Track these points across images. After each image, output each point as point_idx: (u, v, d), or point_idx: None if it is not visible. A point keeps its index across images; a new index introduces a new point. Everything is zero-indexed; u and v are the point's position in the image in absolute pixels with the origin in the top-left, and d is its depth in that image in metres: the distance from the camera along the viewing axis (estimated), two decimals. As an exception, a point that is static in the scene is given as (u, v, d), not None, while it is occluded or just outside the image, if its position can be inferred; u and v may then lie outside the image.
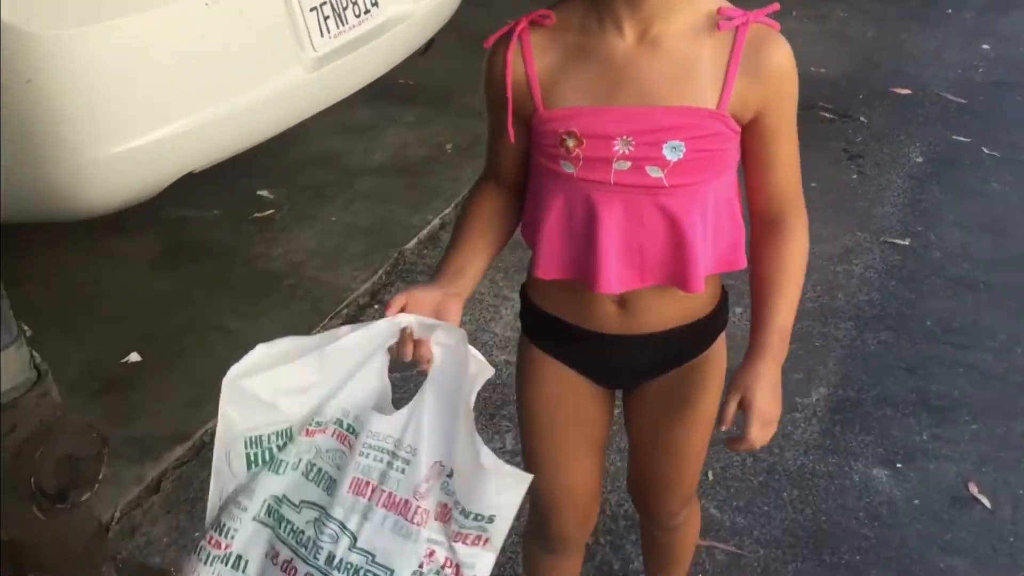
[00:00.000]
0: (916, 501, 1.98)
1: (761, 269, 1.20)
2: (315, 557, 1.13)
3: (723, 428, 1.14)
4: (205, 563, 1.18)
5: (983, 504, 1.97)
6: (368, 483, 1.13)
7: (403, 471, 1.13)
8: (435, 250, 2.83)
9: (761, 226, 1.21)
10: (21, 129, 2.08)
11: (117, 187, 2.23)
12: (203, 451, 2.15)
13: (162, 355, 2.43)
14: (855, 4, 4.60)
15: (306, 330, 2.51)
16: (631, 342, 1.25)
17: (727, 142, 1.13)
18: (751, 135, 1.15)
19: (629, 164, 1.12)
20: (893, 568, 1.83)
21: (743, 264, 1.22)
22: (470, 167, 3.25)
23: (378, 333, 1.16)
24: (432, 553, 1.11)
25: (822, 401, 2.23)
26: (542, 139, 1.16)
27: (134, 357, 2.43)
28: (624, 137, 1.11)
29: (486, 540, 1.11)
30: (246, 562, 1.18)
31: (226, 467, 1.21)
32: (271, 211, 3.03)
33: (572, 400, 1.33)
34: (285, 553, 1.16)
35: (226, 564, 1.17)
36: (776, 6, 1.13)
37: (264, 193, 3.12)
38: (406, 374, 1.24)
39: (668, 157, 1.10)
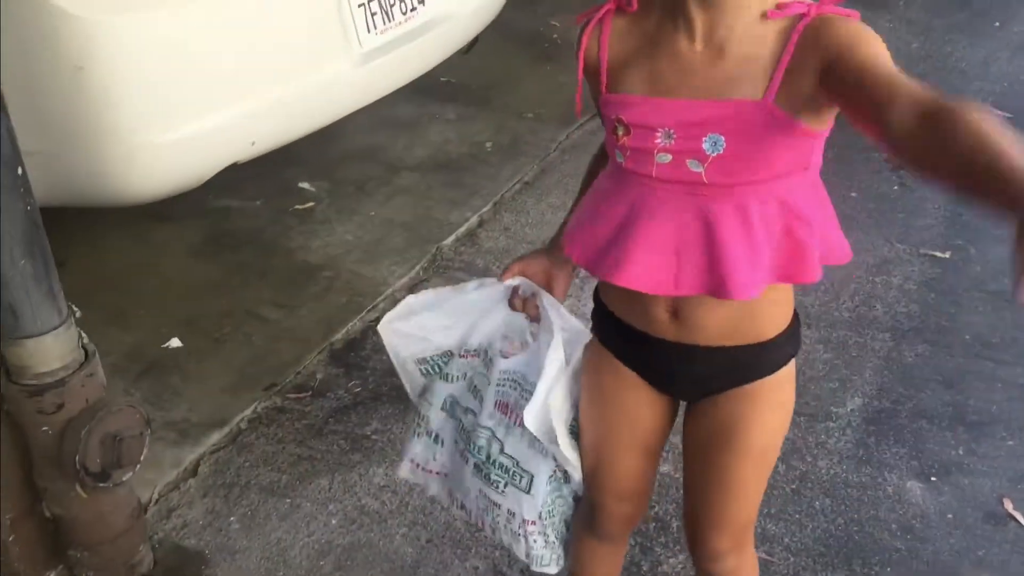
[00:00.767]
0: (949, 515, 1.97)
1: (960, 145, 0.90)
2: (477, 452, 1.41)
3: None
4: (415, 435, 1.49)
5: (1018, 521, 1.95)
6: (507, 404, 1.38)
7: (527, 399, 1.34)
8: (472, 247, 2.85)
9: (916, 124, 0.95)
10: (71, 114, 2.11)
11: (165, 174, 2.27)
12: (239, 437, 2.19)
13: (202, 342, 2.47)
14: (901, 15, 4.56)
15: (343, 323, 2.54)
16: (683, 350, 1.25)
17: (773, 135, 1.09)
18: (833, 85, 1.04)
19: (670, 157, 1.13)
20: (924, 581, 1.82)
21: (810, 278, 1.14)
22: (509, 166, 3.26)
23: (495, 291, 1.39)
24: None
25: (857, 411, 2.22)
26: (604, 122, 1.20)
27: (175, 343, 2.46)
28: (666, 129, 1.12)
29: None
30: (442, 440, 1.48)
31: (406, 376, 1.49)
32: (312, 203, 3.06)
33: (627, 400, 1.34)
34: (460, 443, 1.45)
35: (429, 437, 1.48)
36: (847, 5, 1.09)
37: (305, 185, 3.15)
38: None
39: (707, 151, 1.10)
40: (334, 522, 1.96)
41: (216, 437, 2.19)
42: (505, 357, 1.40)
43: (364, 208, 3.05)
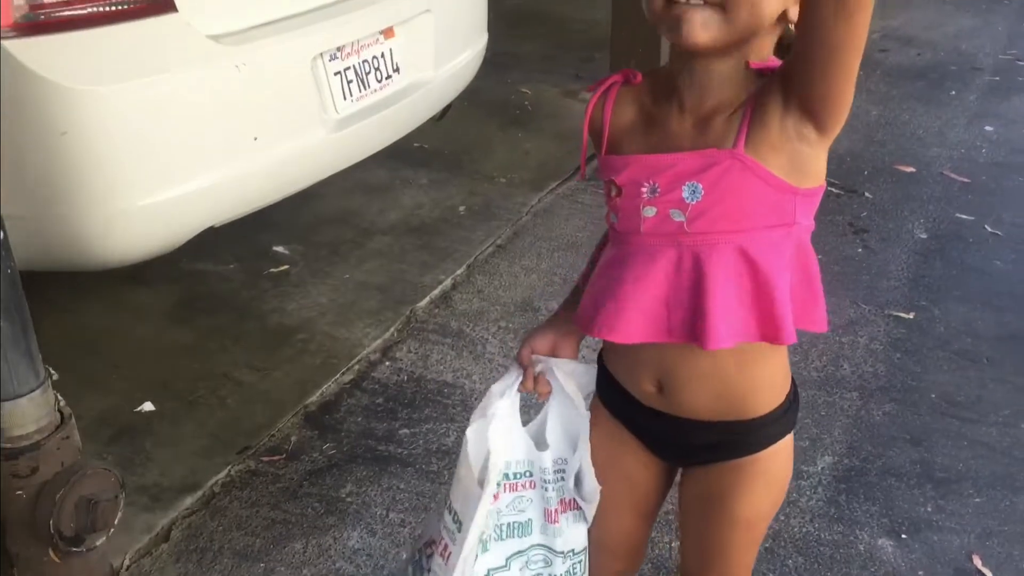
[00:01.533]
0: (920, 572, 1.99)
1: None
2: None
3: None
4: None
5: (987, 577, 1.98)
6: (556, 510, 1.39)
7: (563, 477, 1.39)
8: (447, 310, 2.88)
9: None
10: (53, 179, 2.14)
11: (143, 238, 2.29)
12: (213, 501, 2.17)
13: (175, 405, 2.46)
14: (860, 84, 4.66)
15: (317, 385, 2.54)
16: (672, 421, 1.28)
17: (748, 185, 1.12)
18: (787, 71, 1.10)
19: (655, 210, 1.17)
20: (898, 639, 1.83)
21: (784, 339, 1.16)
22: (482, 229, 3.31)
23: (509, 384, 1.38)
24: None
25: (828, 470, 2.25)
26: (603, 187, 1.24)
27: (148, 406, 2.46)
28: (651, 183, 1.17)
29: None
30: None
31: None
32: (286, 267, 3.08)
33: (625, 461, 1.37)
34: None
35: None
36: None
37: (280, 249, 3.17)
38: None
39: (687, 199, 1.14)
40: (309, 586, 1.95)
41: (189, 501, 2.17)
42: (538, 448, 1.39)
43: (338, 271, 3.07)
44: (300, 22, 2.54)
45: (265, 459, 2.29)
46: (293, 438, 2.36)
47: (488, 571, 1.38)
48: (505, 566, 1.40)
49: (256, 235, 3.17)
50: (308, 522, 2.11)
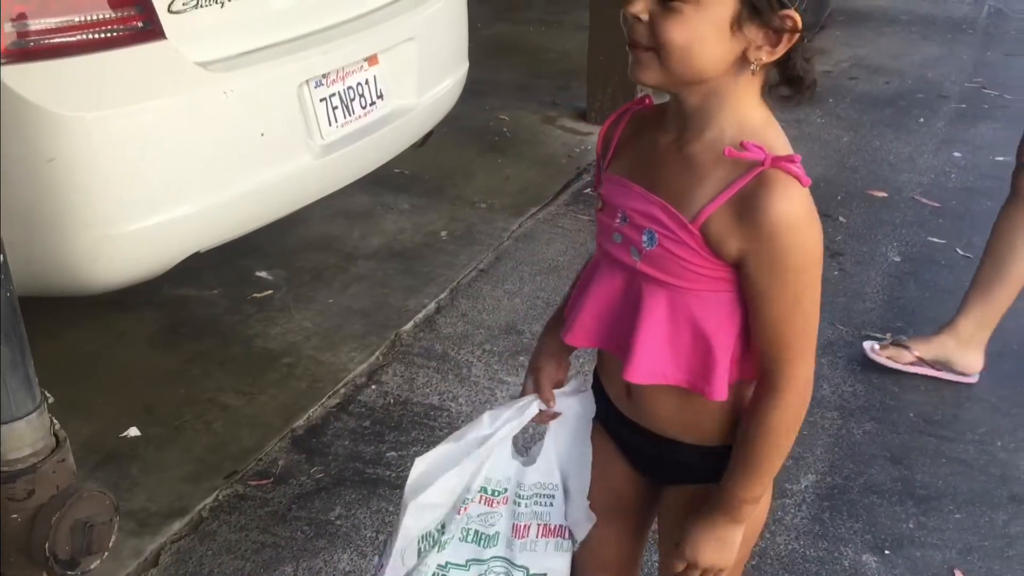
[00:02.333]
0: (904, 587, 2.03)
1: (742, 424, 1.23)
2: None
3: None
4: None
5: (969, 591, 2.02)
6: (526, 525, 1.41)
7: (552, 504, 1.41)
8: (431, 333, 2.90)
9: (758, 376, 1.21)
10: (41, 205, 2.15)
11: (131, 264, 2.30)
12: (201, 526, 2.17)
13: (161, 430, 2.46)
14: (831, 111, 4.80)
15: (303, 409, 2.55)
16: (644, 434, 1.32)
17: (695, 258, 1.15)
18: (740, 278, 1.15)
19: (621, 238, 1.22)
20: (884, 653, 1.86)
21: (713, 396, 1.19)
22: (464, 254, 3.34)
23: (519, 420, 1.39)
24: None
25: (811, 488, 2.29)
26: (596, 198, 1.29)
27: (133, 432, 2.45)
28: (623, 211, 1.22)
29: None
30: None
31: (400, 563, 1.38)
32: (269, 292, 3.09)
33: (611, 476, 1.40)
34: None
35: None
36: (798, 156, 1.13)
37: (263, 274, 3.18)
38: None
39: (644, 244, 1.18)
40: (300, 609, 1.95)
41: (177, 526, 2.17)
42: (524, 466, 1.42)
43: (322, 296, 3.08)
44: (287, 49, 2.56)
45: (253, 483, 2.30)
46: (280, 462, 2.37)
47: (447, 563, 1.41)
48: (464, 566, 1.42)
49: (239, 260, 3.17)
50: (298, 545, 2.11)
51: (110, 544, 1.63)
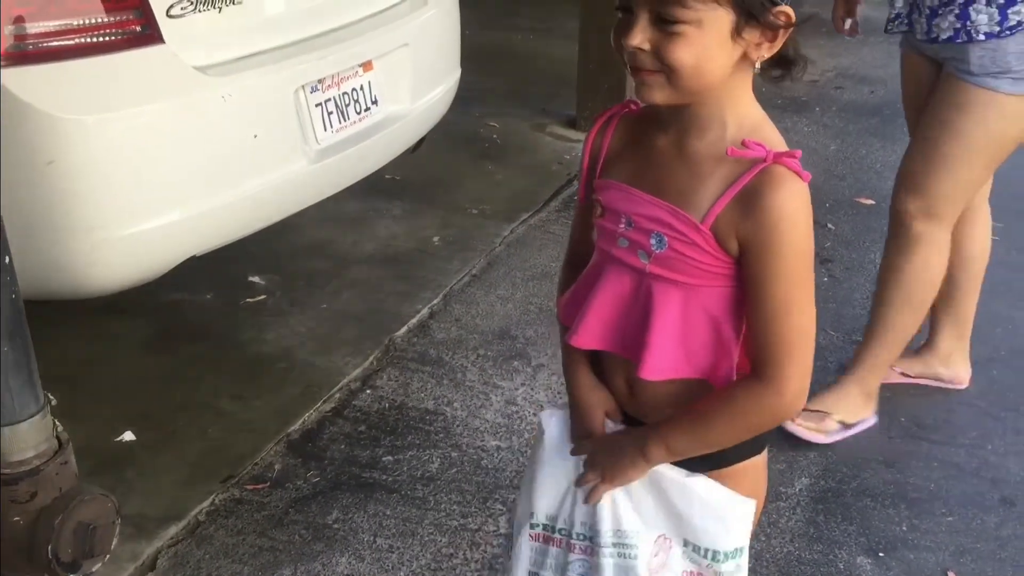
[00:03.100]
0: (899, 589, 2.05)
1: (716, 391, 1.24)
2: None
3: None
4: None
5: (963, 593, 2.04)
6: None
7: (634, 555, 1.31)
8: (425, 338, 2.90)
9: (751, 368, 1.22)
10: (39, 208, 2.14)
11: (127, 267, 2.30)
12: (198, 530, 2.17)
13: (156, 435, 2.46)
14: (817, 120, 4.84)
15: (298, 414, 2.55)
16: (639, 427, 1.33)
17: (705, 256, 1.18)
18: (741, 270, 1.19)
19: (627, 243, 1.24)
20: (880, 654, 1.88)
21: (720, 382, 1.22)
22: (457, 259, 3.34)
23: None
24: None
25: (805, 491, 2.31)
26: (592, 206, 1.29)
27: (128, 436, 2.44)
28: (628, 216, 1.24)
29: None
30: None
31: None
32: (263, 296, 3.09)
33: None
34: None
35: None
36: (798, 152, 1.16)
37: (256, 279, 3.18)
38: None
39: (653, 246, 1.21)
40: (299, 612, 1.95)
41: (174, 530, 2.16)
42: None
43: (315, 301, 3.08)
44: (283, 54, 2.57)
45: (249, 487, 2.29)
46: (277, 466, 2.37)
47: None
48: None
49: (232, 265, 3.17)
50: (296, 549, 2.12)
51: (112, 547, 1.64)
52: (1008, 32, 2.19)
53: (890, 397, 2.68)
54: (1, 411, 1.49)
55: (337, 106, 2.76)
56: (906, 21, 2.41)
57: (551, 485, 1.39)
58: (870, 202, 3.93)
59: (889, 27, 2.47)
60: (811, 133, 4.60)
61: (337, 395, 2.64)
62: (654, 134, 1.24)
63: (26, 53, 2.11)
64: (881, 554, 2.14)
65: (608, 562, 1.32)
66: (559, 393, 2.66)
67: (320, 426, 2.52)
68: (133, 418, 2.50)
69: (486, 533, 2.17)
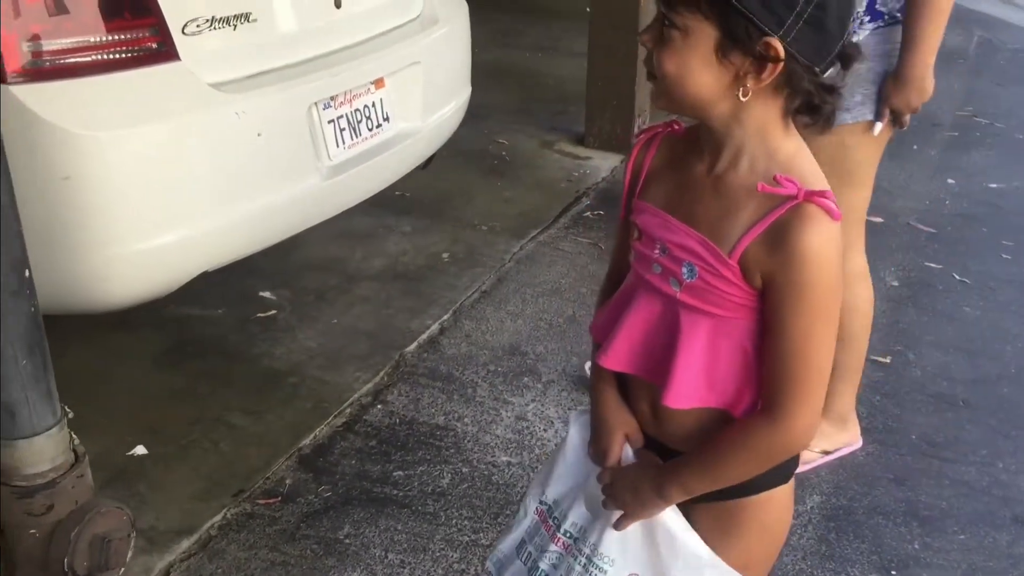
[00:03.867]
0: (911, 607, 2.04)
1: (728, 426, 1.24)
2: None
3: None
4: None
5: (976, 612, 2.04)
6: None
7: None
8: (435, 354, 2.91)
9: (761, 402, 1.22)
10: (54, 223, 2.16)
11: (141, 282, 2.31)
12: (210, 544, 2.17)
13: (168, 449, 2.46)
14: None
15: (309, 429, 2.56)
16: (668, 452, 1.32)
17: (733, 288, 1.19)
18: (763, 303, 1.19)
19: (660, 269, 1.25)
20: (893, 672, 1.88)
21: (739, 415, 1.23)
22: (467, 276, 3.35)
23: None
24: None
25: (816, 509, 2.30)
26: (631, 226, 1.30)
27: (140, 450, 2.45)
28: (662, 244, 1.24)
29: None
30: None
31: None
32: (273, 312, 3.10)
33: None
34: None
35: None
36: (830, 192, 1.15)
37: (266, 294, 3.19)
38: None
39: (685, 275, 1.21)
40: (311, 627, 1.95)
41: (186, 544, 2.17)
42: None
43: (325, 316, 3.09)
44: (296, 71, 2.59)
45: (261, 502, 2.30)
46: (288, 481, 2.37)
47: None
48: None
49: (242, 281, 3.18)
50: (307, 563, 2.12)
51: (127, 559, 1.64)
52: None
53: (900, 415, 2.68)
54: (20, 424, 1.50)
55: (349, 123, 2.77)
56: None
57: (564, 477, 1.44)
58: (879, 220, 3.93)
59: None
60: (819, 151, 4.62)
61: (348, 410, 2.64)
62: (692, 158, 1.24)
63: (43, 70, 2.12)
64: (893, 572, 2.13)
65: (577, 569, 1.35)
66: (569, 409, 2.66)
67: (331, 441, 2.52)
68: (144, 432, 2.51)
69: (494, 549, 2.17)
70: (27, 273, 1.47)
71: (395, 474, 2.40)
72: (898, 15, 2.14)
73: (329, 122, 2.69)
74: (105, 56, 2.19)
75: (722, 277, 1.18)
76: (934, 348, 3.01)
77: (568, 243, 3.63)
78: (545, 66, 5.71)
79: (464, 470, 2.42)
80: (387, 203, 3.68)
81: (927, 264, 3.59)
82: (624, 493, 1.31)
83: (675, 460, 1.29)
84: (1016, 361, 2.97)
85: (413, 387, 2.75)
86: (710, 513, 1.32)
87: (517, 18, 6.42)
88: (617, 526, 1.32)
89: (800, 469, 2.38)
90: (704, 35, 1.12)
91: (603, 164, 4.36)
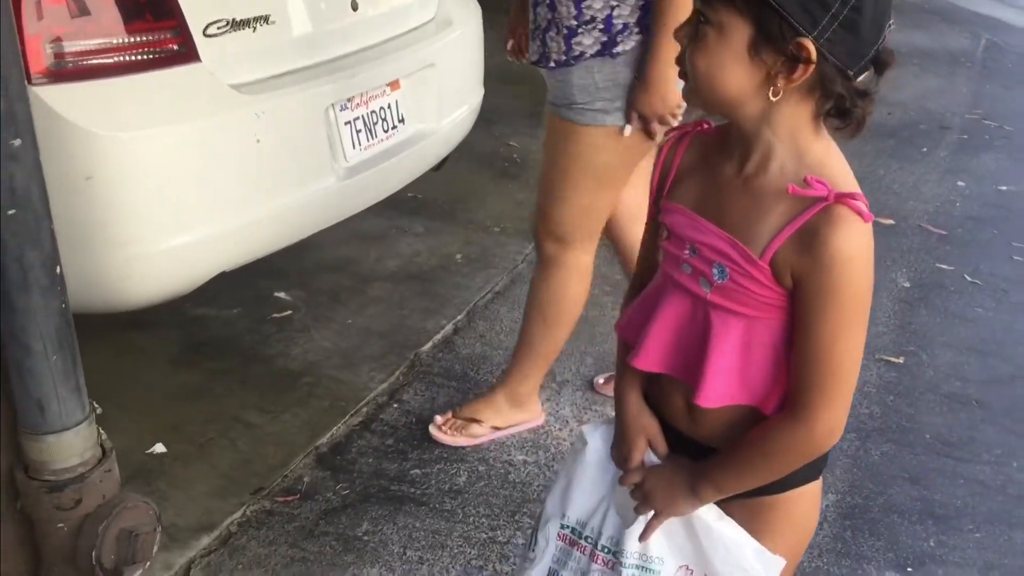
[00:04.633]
0: (928, 604, 2.06)
1: (757, 427, 1.25)
2: None
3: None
4: None
5: (992, 608, 2.05)
6: None
7: None
8: (450, 354, 2.92)
9: (787, 402, 1.23)
10: (78, 222, 2.17)
11: (161, 282, 2.33)
12: (230, 540, 2.19)
13: (187, 447, 2.48)
14: (835, 140, 4.89)
15: (326, 427, 2.57)
16: (696, 447, 1.33)
17: (764, 289, 1.19)
18: (793, 304, 1.19)
19: (691, 269, 1.25)
20: (910, 669, 1.89)
21: (769, 412, 1.23)
22: (480, 276, 3.37)
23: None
24: None
25: (832, 507, 2.32)
26: (659, 225, 1.31)
27: (159, 448, 2.47)
28: (692, 244, 1.25)
29: None
30: None
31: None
32: (289, 312, 3.12)
33: None
34: None
35: None
36: (860, 194, 1.14)
37: (281, 295, 3.21)
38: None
39: (715, 277, 1.22)
40: (331, 623, 1.97)
41: (206, 540, 2.18)
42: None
43: (340, 317, 3.11)
44: (314, 73, 2.61)
45: (280, 499, 2.31)
46: (306, 479, 2.39)
47: None
48: None
49: (257, 281, 3.20)
50: (327, 560, 2.13)
51: (153, 553, 1.66)
52: (572, 62, 2.17)
53: (913, 415, 2.70)
54: (49, 419, 1.52)
55: (365, 124, 2.79)
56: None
57: (587, 493, 1.42)
58: (890, 222, 3.95)
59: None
60: (828, 154, 4.64)
61: (364, 409, 2.66)
62: (722, 158, 1.25)
63: (65, 71, 2.15)
64: (909, 569, 2.15)
65: None
66: (583, 408, 2.68)
67: (348, 439, 2.54)
68: (163, 430, 2.53)
69: (515, 546, 2.19)
70: (58, 270, 1.49)
71: (412, 472, 2.42)
72: None
73: (346, 123, 2.71)
74: (127, 58, 2.22)
75: (753, 279, 1.19)
76: (947, 348, 3.02)
77: (580, 245, 3.64)
78: (554, 69, 5.73)
79: (480, 468, 2.44)
80: (400, 205, 3.70)
81: (938, 265, 3.60)
82: (657, 491, 1.32)
83: (708, 460, 1.30)
84: (1029, 361, 2.98)
85: (428, 386, 2.77)
86: (741, 509, 1.33)
87: (526, 22, 6.44)
88: (644, 535, 1.33)
89: (467, 442, 2.49)
90: (738, 32, 1.13)
91: (614, 166, 4.37)
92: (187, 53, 2.28)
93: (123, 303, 2.35)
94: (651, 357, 1.30)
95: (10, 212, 1.45)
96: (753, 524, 1.33)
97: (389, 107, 2.89)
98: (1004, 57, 6.71)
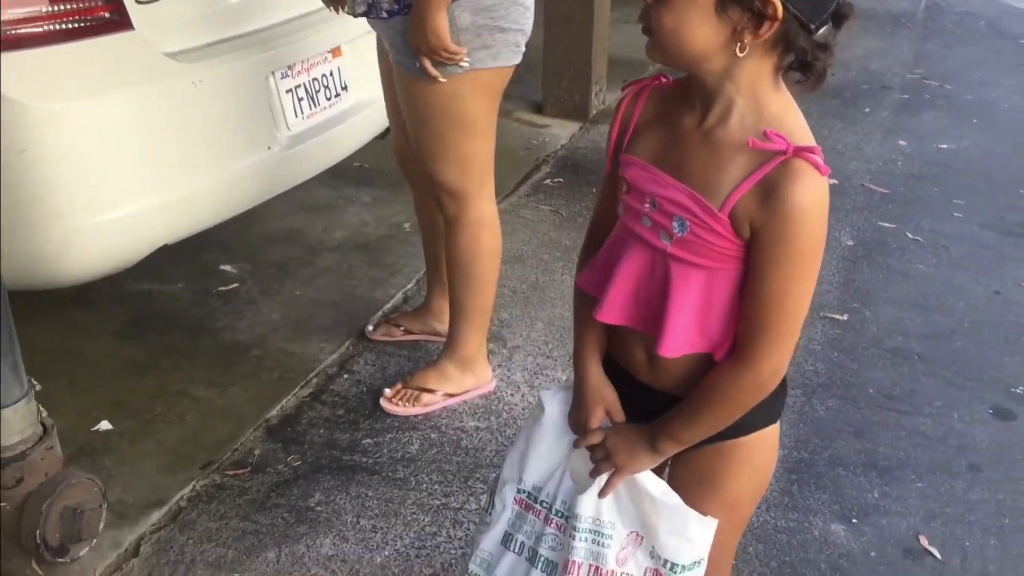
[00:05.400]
0: (872, 553, 2.10)
1: (706, 375, 1.28)
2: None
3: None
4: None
5: (934, 556, 2.10)
6: (579, 564, 1.37)
7: (608, 545, 1.36)
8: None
9: (735, 346, 1.25)
10: (13, 197, 2.13)
11: (100, 255, 2.29)
12: (180, 515, 2.17)
13: (133, 423, 2.45)
14: (794, 95, 4.93)
15: (276, 400, 2.55)
16: (658, 397, 1.35)
17: (723, 241, 1.21)
18: (748, 252, 1.21)
19: (651, 223, 1.26)
20: (856, 616, 1.93)
21: (721, 358, 1.26)
22: (428, 245, 3.35)
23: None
24: None
25: (779, 463, 2.33)
26: (618, 179, 1.32)
27: (104, 425, 2.43)
28: (652, 198, 1.26)
29: None
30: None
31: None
32: (235, 285, 3.08)
33: None
34: None
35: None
36: (818, 148, 1.17)
37: (227, 268, 3.17)
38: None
39: (675, 229, 1.23)
40: (285, 594, 1.97)
41: (156, 516, 2.16)
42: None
43: (288, 288, 3.08)
44: (253, 40, 2.57)
45: (230, 473, 2.30)
46: (256, 451, 2.37)
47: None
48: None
49: (201, 254, 3.16)
50: (279, 532, 2.12)
51: (99, 530, 1.64)
52: (405, 11, 2.13)
53: (857, 370, 2.75)
54: (-14, 397, 1.49)
55: (307, 92, 2.76)
56: None
57: (543, 458, 1.44)
58: (833, 181, 3.98)
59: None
60: (773, 115, 4.67)
61: (314, 380, 2.64)
62: (681, 112, 1.25)
63: (-6, 40, 2.09)
64: (854, 520, 2.19)
65: (581, 545, 1.37)
66: (535, 374, 2.69)
67: (299, 411, 2.52)
68: (108, 407, 2.49)
69: (468, 512, 2.19)
70: (-11, 244, 1.45)
71: (364, 442, 2.42)
72: None
73: (287, 91, 2.67)
74: (57, 26, 2.16)
75: (713, 231, 1.20)
76: (889, 304, 3.08)
77: (529, 211, 3.64)
78: (500, 35, 5.69)
79: (433, 436, 2.44)
80: (346, 174, 3.67)
81: (881, 223, 3.66)
82: (618, 448, 1.33)
83: (665, 414, 1.32)
84: (969, 316, 3.05)
85: (379, 356, 2.76)
86: (702, 456, 1.36)
87: (470, -13, 6.38)
88: (604, 492, 1.35)
89: (421, 411, 2.51)
90: None
91: (561, 132, 4.37)
92: (120, 21, 2.23)
93: (63, 278, 2.30)
94: (615, 310, 1.31)
95: (-63, 186, 1.41)
96: (717, 467, 1.36)
97: (331, 74, 2.86)
98: (944, 17, 6.80)
